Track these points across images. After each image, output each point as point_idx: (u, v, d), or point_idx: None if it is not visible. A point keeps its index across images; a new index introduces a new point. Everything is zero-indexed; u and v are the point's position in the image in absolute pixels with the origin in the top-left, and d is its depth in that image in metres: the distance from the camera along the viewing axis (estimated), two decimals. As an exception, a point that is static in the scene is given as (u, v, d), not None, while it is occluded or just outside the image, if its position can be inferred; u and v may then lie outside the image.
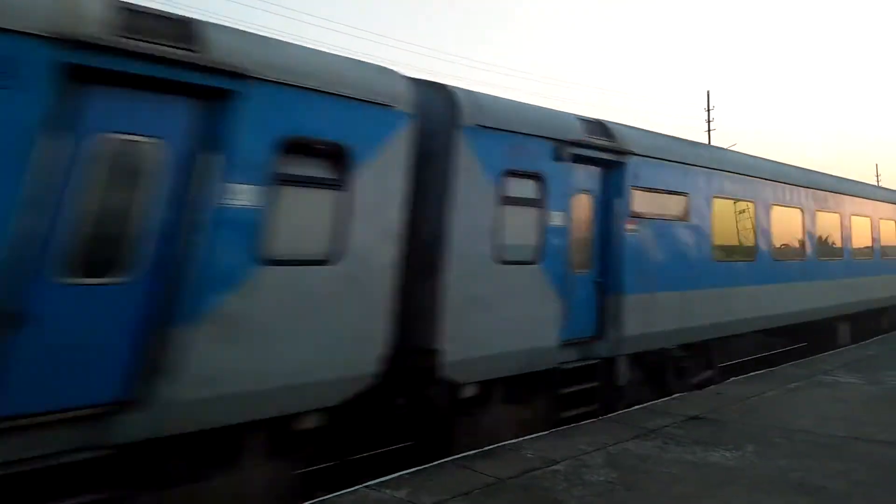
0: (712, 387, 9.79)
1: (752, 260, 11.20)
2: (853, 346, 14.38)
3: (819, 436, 7.02)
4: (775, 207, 11.87)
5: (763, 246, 11.39)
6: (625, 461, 6.21)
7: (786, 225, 12.31)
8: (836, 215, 14.24)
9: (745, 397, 8.97)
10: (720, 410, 8.21)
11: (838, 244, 14.26)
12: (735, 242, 10.98)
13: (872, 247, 15.81)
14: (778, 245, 11.90)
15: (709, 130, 45.52)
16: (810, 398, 8.97)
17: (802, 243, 12.75)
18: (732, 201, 10.80)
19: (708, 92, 61.80)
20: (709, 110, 46.20)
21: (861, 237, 15.24)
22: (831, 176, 14.88)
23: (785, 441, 6.84)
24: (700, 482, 5.62)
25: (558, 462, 6.15)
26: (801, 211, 12.82)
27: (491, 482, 5.61)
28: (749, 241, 11.22)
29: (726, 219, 10.69)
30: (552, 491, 5.41)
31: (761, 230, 11.39)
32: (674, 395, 9.19)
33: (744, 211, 11.09)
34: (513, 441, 6.90)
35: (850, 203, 14.81)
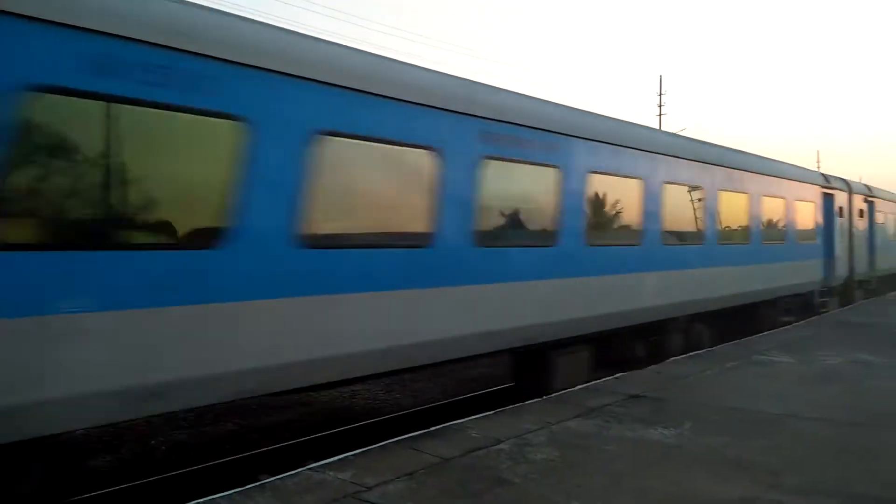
0: (653, 366, 10.04)
1: (636, 244, 10.18)
2: (790, 326, 14.94)
3: (753, 413, 7.27)
4: (668, 186, 10.85)
5: (650, 229, 10.35)
6: (567, 439, 6.31)
7: (681, 207, 11.36)
8: (744, 196, 13.40)
9: (684, 376, 9.23)
10: (660, 389, 8.43)
11: (745, 227, 13.50)
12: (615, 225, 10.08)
13: (785, 230, 15.24)
14: (670, 229, 10.82)
15: (660, 115, 46.44)
16: (746, 377, 9.29)
17: (701, 227, 11.79)
18: (614, 178, 9.74)
19: (660, 77, 62.97)
20: (660, 95, 47.11)
21: (773, 220, 14.77)
22: (738, 151, 13.96)
23: (721, 418, 7.06)
24: (639, 459, 5.75)
25: (503, 441, 6.21)
26: (702, 191, 11.86)
27: (436, 462, 5.63)
28: (634, 223, 10.19)
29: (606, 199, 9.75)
30: (496, 470, 5.46)
31: (649, 212, 10.34)
32: (616, 375, 9.39)
33: (629, 191, 10.03)
34: (457, 421, 6.94)
35: (759, 182, 14.01)
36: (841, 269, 18.65)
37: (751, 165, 13.89)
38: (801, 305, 16.51)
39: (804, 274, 16.20)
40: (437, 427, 6.73)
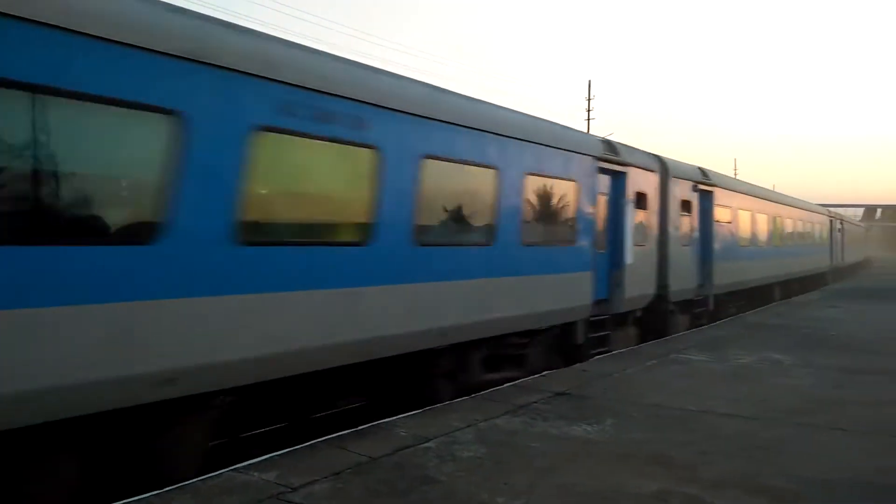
0: (579, 364, 10.29)
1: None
2: (705, 326, 15.57)
3: (671, 409, 7.56)
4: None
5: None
6: (494, 437, 6.40)
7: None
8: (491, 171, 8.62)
9: (608, 374, 9.50)
10: (584, 386, 8.65)
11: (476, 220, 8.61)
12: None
13: (496, 222, 8.72)
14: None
15: (588, 119, 47.59)
16: (665, 375, 9.64)
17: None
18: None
19: (589, 81, 64.26)
20: (589, 99, 48.27)
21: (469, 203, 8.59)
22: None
23: (641, 415, 7.31)
24: (562, 455, 5.89)
25: (430, 439, 6.24)
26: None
27: (363, 461, 5.60)
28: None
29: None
30: (423, 468, 5.49)
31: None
32: (543, 373, 9.57)
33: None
34: (386, 420, 6.92)
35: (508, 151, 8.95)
36: (640, 287, 12.56)
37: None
38: (544, 349, 10.14)
39: (547, 297, 9.75)
40: (366, 426, 6.69)
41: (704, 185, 15.89)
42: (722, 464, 5.71)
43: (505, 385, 8.76)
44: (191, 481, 5.06)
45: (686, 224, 14.93)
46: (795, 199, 27.60)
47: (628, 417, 7.18)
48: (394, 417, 7.02)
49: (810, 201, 31.69)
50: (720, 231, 16.68)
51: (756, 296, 20.49)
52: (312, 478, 5.16)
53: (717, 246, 16.29)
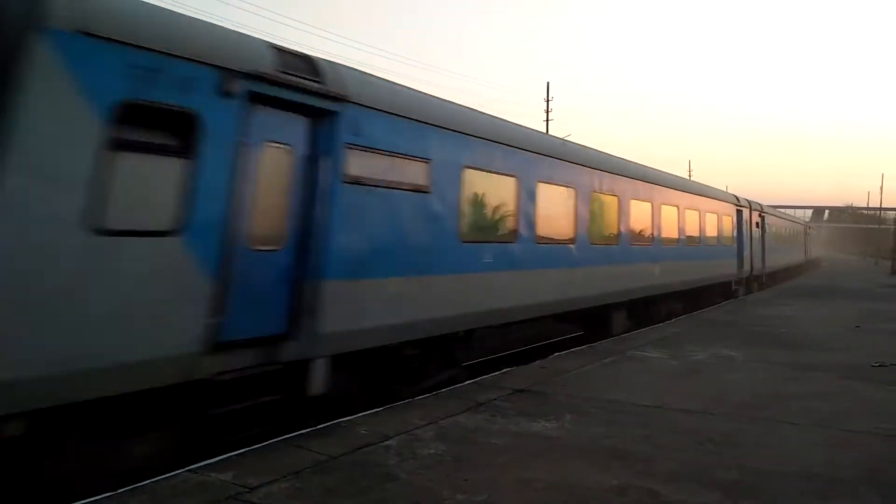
0: (538, 361, 10.38)
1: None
2: (660, 324, 15.86)
3: (629, 405, 7.67)
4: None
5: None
6: (455, 434, 6.40)
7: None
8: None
9: (566, 370, 9.60)
10: (544, 383, 8.72)
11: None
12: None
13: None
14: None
15: (547, 120, 48.00)
16: (622, 371, 9.78)
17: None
18: None
19: (548, 83, 64.90)
20: (548, 101, 48.69)
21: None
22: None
23: (599, 411, 7.40)
24: (523, 451, 5.93)
25: (391, 437, 6.21)
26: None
27: (323, 460, 5.54)
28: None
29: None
30: (384, 466, 5.45)
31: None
32: (502, 370, 9.63)
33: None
34: (348, 418, 6.86)
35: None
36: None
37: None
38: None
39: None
40: (325, 424, 6.62)
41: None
42: (678, 457, 5.81)
43: (466, 382, 8.78)
44: (145, 482, 4.94)
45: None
46: (693, 182, 24.55)
47: (587, 413, 7.26)
48: (353, 416, 6.96)
49: (764, 202, 29.26)
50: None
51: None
52: (271, 477, 5.09)
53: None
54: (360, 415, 7.03)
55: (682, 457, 5.84)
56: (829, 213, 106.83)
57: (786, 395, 8.33)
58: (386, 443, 6.05)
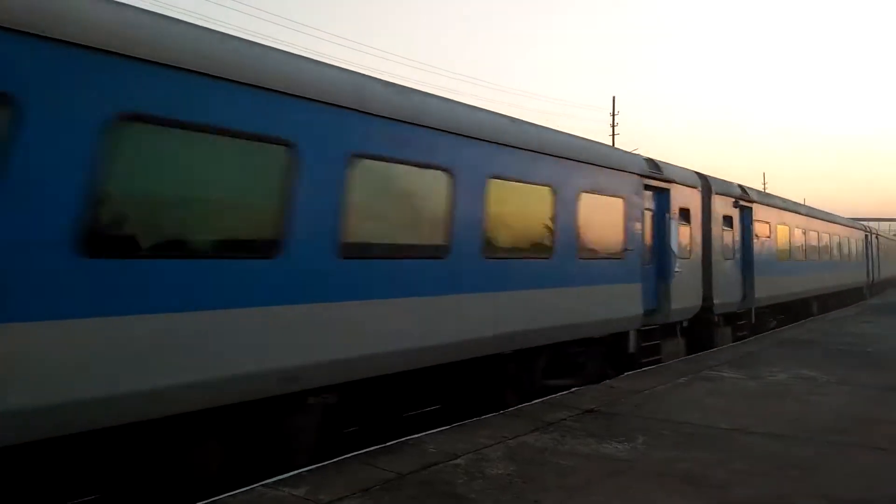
0: (607, 381, 10.19)
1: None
2: (737, 343, 15.33)
3: (703, 428, 7.44)
4: None
5: None
6: (523, 454, 6.36)
7: None
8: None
9: (637, 391, 9.39)
10: (614, 404, 8.56)
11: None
12: None
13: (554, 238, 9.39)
14: None
15: (613, 135, 47.44)
16: (697, 392, 9.50)
17: None
18: None
19: (613, 97, 64.24)
20: (614, 115, 48.15)
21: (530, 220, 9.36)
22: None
23: (672, 433, 7.20)
24: (593, 473, 5.83)
25: (459, 456, 6.22)
26: None
27: (391, 478, 5.60)
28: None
29: None
30: (452, 485, 5.47)
31: None
32: (571, 389, 9.50)
33: None
34: (414, 436, 6.93)
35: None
36: (686, 298, 13.01)
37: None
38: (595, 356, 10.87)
39: (602, 307, 10.41)
40: (394, 442, 6.70)
41: (745, 200, 16.42)
42: (756, 484, 5.59)
43: (533, 401, 8.71)
44: (222, 496, 5.11)
45: (728, 239, 15.42)
46: (831, 213, 28.19)
47: (659, 436, 7.08)
48: (421, 434, 7.02)
49: (843, 215, 31.56)
50: (759, 246, 17.11)
51: (795, 310, 21.28)
52: (341, 494, 5.18)
53: (756, 260, 16.70)
54: (428, 433, 7.08)
55: (759, 483, 5.62)
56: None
57: (871, 418, 7.90)
58: (454, 461, 6.07)
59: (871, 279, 35.46)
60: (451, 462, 6.06)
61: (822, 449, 6.66)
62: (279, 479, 5.49)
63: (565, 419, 7.72)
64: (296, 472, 5.70)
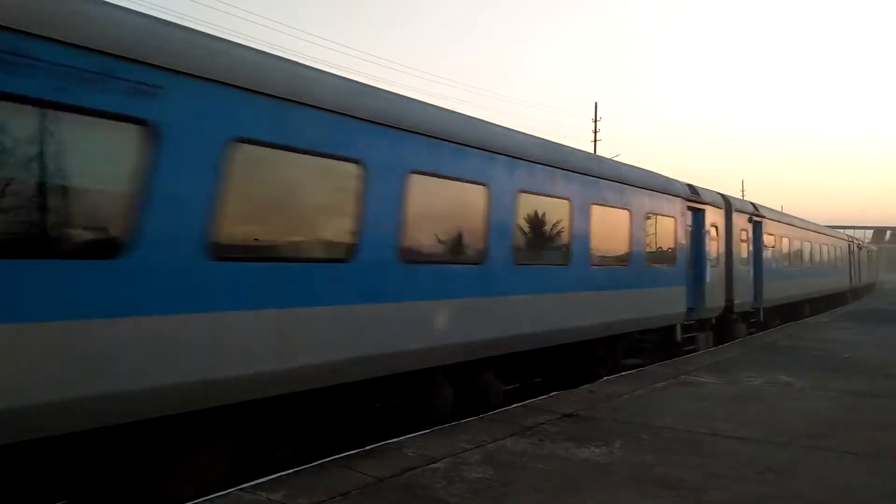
0: (585, 385, 10.24)
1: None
2: (714, 348, 15.49)
3: (681, 432, 7.50)
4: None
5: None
6: (502, 458, 6.37)
7: None
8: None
9: (616, 395, 9.45)
10: (592, 408, 8.60)
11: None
12: None
13: (631, 250, 12.01)
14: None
15: (595, 140, 47.75)
16: (675, 397, 9.57)
17: None
18: None
19: (595, 103, 64.46)
20: (595, 121, 48.46)
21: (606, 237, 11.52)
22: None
23: (650, 437, 7.25)
24: (571, 477, 5.85)
25: (438, 460, 6.22)
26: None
27: (371, 482, 5.58)
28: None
29: None
30: (431, 489, 5.46)
31: None
32: (550, 394, 9.54)
33: None
34: (394, 440, 6.91)
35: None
36: (715, 299, 15.98)
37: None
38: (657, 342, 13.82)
39: (661, 304, 13.17)
40: (373, 446, 6.68)
41: (756, 216, 19.52)
42: (732, 487, 5.65)
43: (512, 406, 8.73)
44: (198, 500, 5.06)
45: (743, 249, 18.40)
46: (822, 226, 32.42)
47: (637, 440, 7.13)
48: (401, 438, 7.01)
49: (820, 223, 33.33)
50: (767, 255, 20.27)
51: (791, 310, 24.43)
52: (320, 498, 5.15)
53: (765, 267, 19.84)
54: (407, 437, 7.07)
55: (736, 487, 5.67)
56: (892, 234, 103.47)
57: (847, 423, 8.01)
58: (433, 465, 6.06)
59: (852, 284, 38.35)
60: (429, 466, 6.05)
61: (799, 454, 6.74)
62: (257, 484, 5.45)
63: (544, 423, 7.74)
64: (275, 476, 5.66)
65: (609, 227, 11.30)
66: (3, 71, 4.22)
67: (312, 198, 6.55)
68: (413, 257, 7.38)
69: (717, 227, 16.32)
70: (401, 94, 7.98)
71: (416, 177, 7.44)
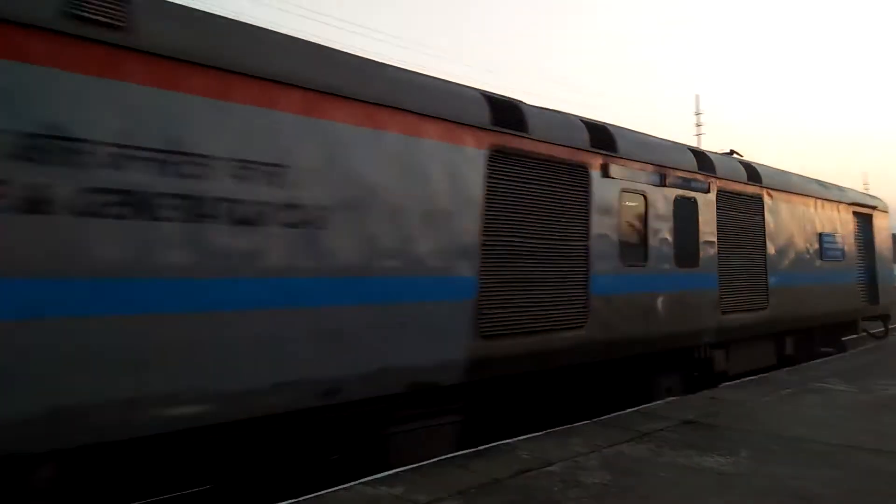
0: (706, 391, 9.82)
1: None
2: (846, 354, 14.46)
3: (814, 443, 7.03)
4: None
5: None
6: (619, 463, 6.20)
7: None
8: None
9: (740, 402, 8.99)
10: (714, 415, 8.22)
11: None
12: None
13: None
14: None
15: (698, 134, 45.92)
16: (804, 405, 8.99)
17: None
18: None
19: (697, 96, 62.09)
20: (698, 114, 46.60)
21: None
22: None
23: (779, 448, 6.84)
24: (694, 486, 5.61)
25: (553, 463, 6.14)
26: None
27: (487, 482, 5.59)
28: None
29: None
30: (548, 492, 5.40)
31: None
32: (668, 399, 9.21)
33: None
34: (506, 441, 6.88)
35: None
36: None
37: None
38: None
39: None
40: (487, 446, 6.69)
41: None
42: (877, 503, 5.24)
43: (627, 410, 8.50)
44: (324, 492, 5.24)
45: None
46: None
47: (765, 450, 6.74)
48: (513, 439, 6.97)
49: None
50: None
51: None
52: (439, 495, 5.21)
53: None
54: (519, 438, 7.02)
55: (879, 502, 5.26)
56: None
57: None
58: (549, 468, 5.99)
59: None
60: (545, 468, 5.98)
61: (949, 471, 6.16)
62: (377, 478, 5.58)
63: (662, 430, 7.48)
64: (392, 471, 5.78)
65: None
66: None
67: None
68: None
69: (873, 228, 17.05)
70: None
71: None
